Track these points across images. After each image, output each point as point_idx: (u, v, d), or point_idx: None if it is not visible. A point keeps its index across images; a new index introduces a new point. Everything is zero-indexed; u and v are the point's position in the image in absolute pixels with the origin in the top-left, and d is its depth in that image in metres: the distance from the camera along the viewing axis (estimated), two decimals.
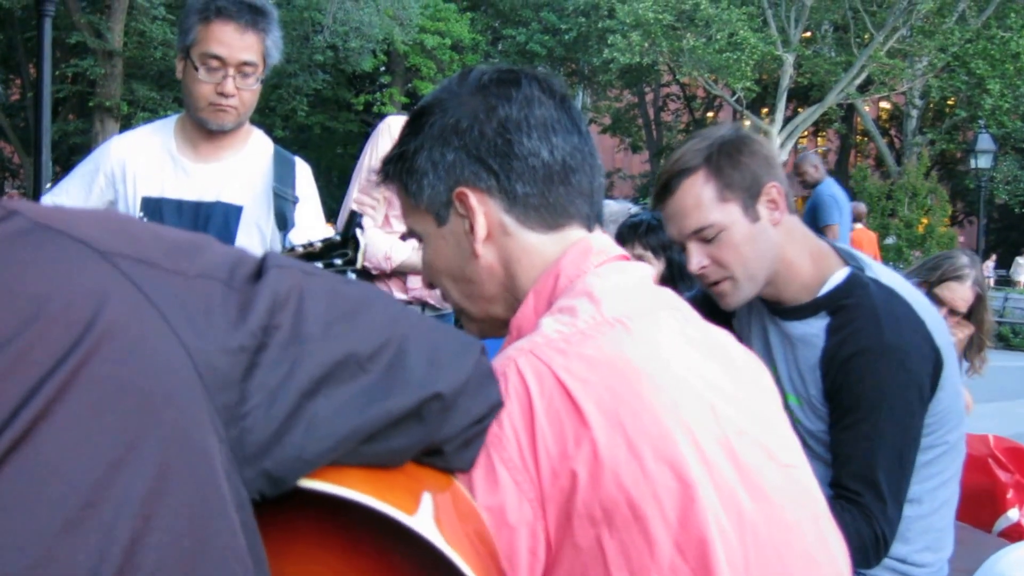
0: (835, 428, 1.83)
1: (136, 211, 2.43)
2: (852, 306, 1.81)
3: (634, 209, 3.55)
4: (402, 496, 0.81)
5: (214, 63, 2.32)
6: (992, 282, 24.98)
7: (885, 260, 16.65)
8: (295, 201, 2.49)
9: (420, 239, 1.18)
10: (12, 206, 0.67)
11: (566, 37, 26.43)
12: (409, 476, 0.86)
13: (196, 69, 2.33)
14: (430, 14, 23.08)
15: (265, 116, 20.85)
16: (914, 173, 22.06)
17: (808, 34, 25.66)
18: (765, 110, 28.92)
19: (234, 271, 0.74)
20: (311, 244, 2.13)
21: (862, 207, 11.72)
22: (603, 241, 1.15)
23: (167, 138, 2.49)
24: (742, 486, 0.99)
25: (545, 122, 1.11)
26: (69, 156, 21.25)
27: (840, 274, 1.85)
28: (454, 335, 0.90)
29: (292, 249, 2.16)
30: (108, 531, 0.59)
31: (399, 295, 3.18)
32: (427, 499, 0.84)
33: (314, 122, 24.45)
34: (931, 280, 3.18)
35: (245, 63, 2.34)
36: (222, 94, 2.34)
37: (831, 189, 7.55)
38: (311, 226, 2.49)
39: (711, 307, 1.84)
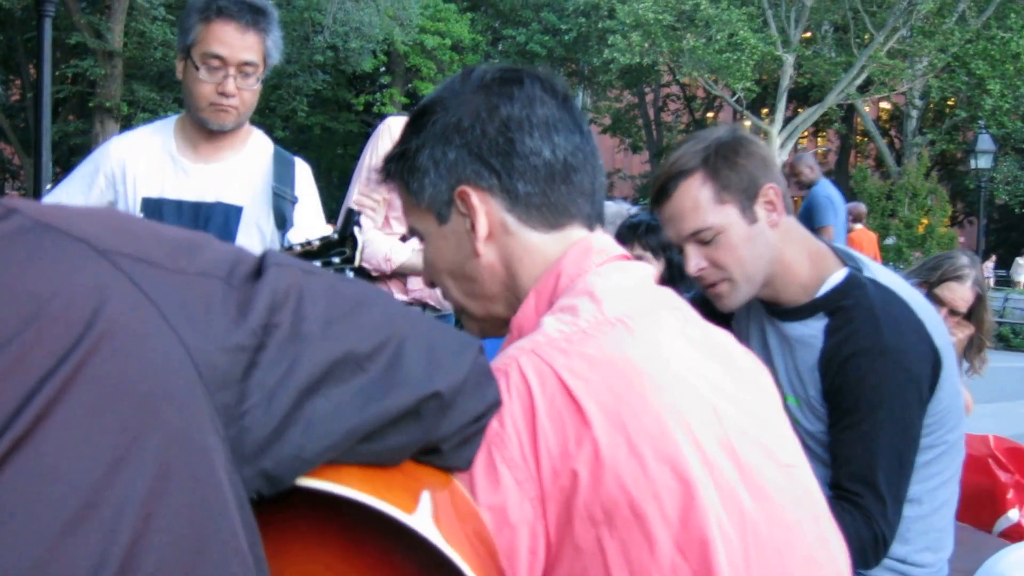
0: (834, 429, 1.83)
1: (136, 212, 2.42)
2: (850, 307, 1.81)
3: (633, 210, 3.55)
4: (401, 495, 0.81)
5: (215, 63, 2.32)
6: (992, 282, 24.99)
7: (885, 260, 16.67)
8: (294, 201, 2.49)
9: (421, 238, 1.18)
10: (12, 204, 0.67)
11: (566, 37, 26.46)
12: (407, 475, 0.86)
13: (197, 69, 2.33)
14: (430, 14, 23.11)
15: (265, 116, 20.87)
16: (914, 173, 22.07)
17: (808, 34, 25.67)
18: (765, 110, 28.94)
19: (234, 269, 0.74)
20: (309, 243, 2.13)
21: (862, 207, 11.71)
22: (604, 240, 1.15)
23: (167, 138, 2.49)
24: (743, 486, 0.99)
25: (547, 121, 1.11)
26: (69, 157, 21.27)
27: (838, 275, 1.85)
28: (452, 334, 0.90)
29: (290, 248, 2.16)
30: (109, 531, 0.59)
31: (399, 296, 3.18)
32: (426, 498, 0.84)
33: (314, 122, 24.48)
34: (931, 280, 3.18)
35: (246, 63, 2.34)
36: (223, 94, 2.34)
37: (826, 190, 7.55)
38: (310, 226, 2.49)
39: (711, 308, 1.84)
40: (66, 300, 0.63)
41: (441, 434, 0.87)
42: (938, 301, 3.13)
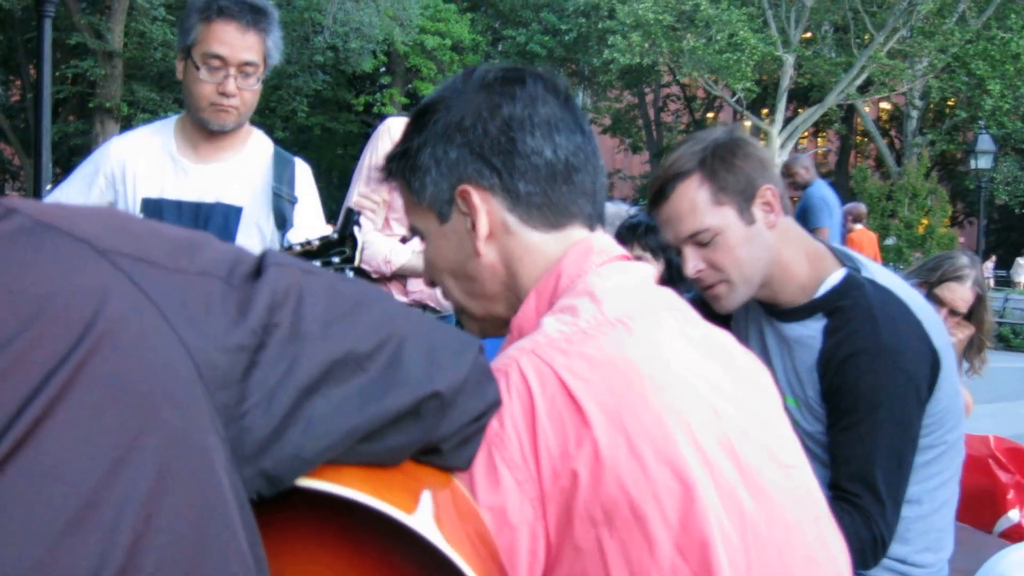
0: (833, 430, 1.83)
1: (136, 212, 2.42)
2: (849, 307, 1.81)
3: (632, 211, 3.55)
4: (401, 495, 0.81)
5: (215, 63, 2.32)
6: (992, 283, 24.99)
7: (885, 261, 16.66)
8: (294, 201, 2.49)
9: (422, 237, 1.18)
10: (12, 204, 0.67)
11: (566, 38, 26.46)
12: (408, 475, 0.86)
13: (197, 69, 2.33)
14: (430, 15, 23.10)
15: (265, 117, 20.87)
16: (914, 174, 22.06)
17: (808, 35, 25.67)
18: (765, 111, 28.93)
19: (233, 269, 0.74)
20: (309, 242, 2.13)
21: (862, 208, 11.71)
22: (605, 241, 1.15)
23: (167, 139, 2.49)
24: (743, 486, 0.99)
25: (549, 121, 1.11)
26: (69, 157, 21.28)
27: (836, 275, 1.85)
28: (452, 334, 0.90)
29: (290, 248, 2.16)
30: (109, 532, 0.59)
31: (400, 298, 3.18)
32: (427, 498, 0.84)
33: (314, 123, 24.48)
34: (931, 280, 3.18)
35: (246, 63, 2.34)
36: (223, 94, 2.34)
37: (821, 191, 7.56)
38: (310, 226, 2.49)
39: (710, 309, 1.84)
40: (66, 300, 0.63)
41: (441, 434, 0.87)
42: (938, 301, 3.13)
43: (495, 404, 0.94)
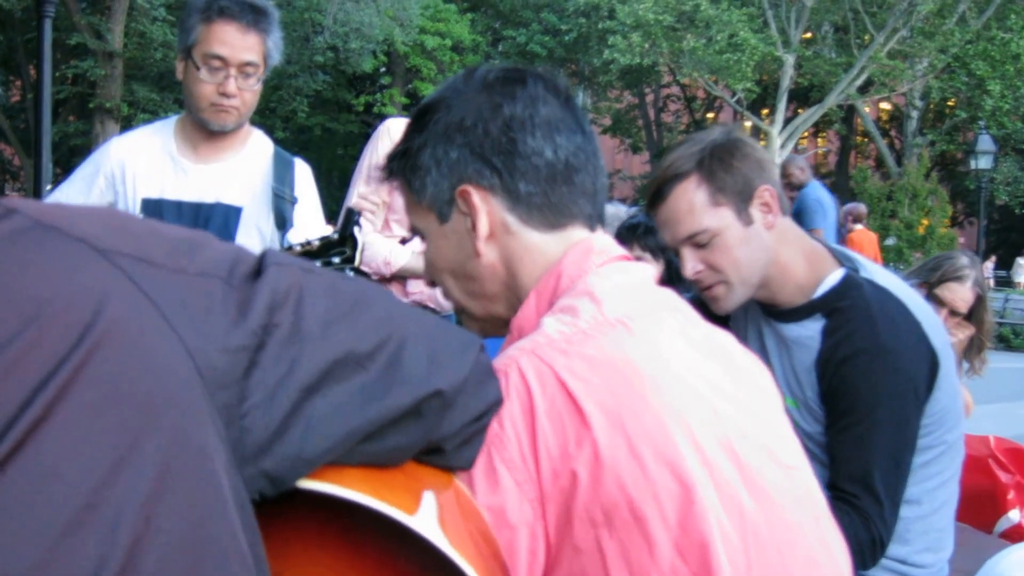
0: (831, 430, 1.83)
1: (136, 212, 2.42)
2: (847, 308, 1.81)
3: (631, 211, 3.55)
4: (402, 496, 0.81)
5: (216, 63, 2.32)
6: (992, 283, 24.98)
7: (885, 261, 16.66)
8: (294, 201, 2.49)
9: (423, 236, 1.18)
10: (12, 204, 0.67)
11: (566, 38, 26.45)
12: (409, 475, 0.85)
13: (198, 69, 2.33)
14: (430, 15, 23.10)
15: (266, 117, 20.87)
16: (914, 174, 22.07)
17: (808, 35, 25.66)
18: (765, 111, 28.93)
19: (234, 269, 0.73)
20: (309, 243, 2.13)
21: (862, 208, 11.71)
22: (605, 241, 1.15)
23: (167, 139, 2.49)
24: (743, 486, 0.98)
25: (549, 121, 1.11)
26: (69, 158, 21.29)
27: (835, 276, 1.85)
28: (453, 332, 0.90)
29: (290, 248, 2.16)
30: (109, 533, 0.59)
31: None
32: (429, 498, 0.84)
33: (314, 123, 24.48)
34: (931, 281, 3.18)
35: (247, 63, 2.34)
36: (224, 94, 2.34)
37: (816, 192, 7.57)
38: (310, 226, 2.49)
39: (709, 309, 1.84)
40: (66, 301, 0.63)
41: (443, 433, 0.87)
42: (938, 302, 3.13)
43: (497, 403, 0.94)
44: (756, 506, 0.99)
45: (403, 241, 3.00)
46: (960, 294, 3.18)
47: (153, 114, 17.58)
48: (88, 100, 19.11)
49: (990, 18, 23.19)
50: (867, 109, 28.30)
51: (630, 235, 2.92)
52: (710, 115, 34.26)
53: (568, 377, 0.96)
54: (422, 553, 0.78)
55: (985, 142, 21.20)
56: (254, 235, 2.46)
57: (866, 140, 34.50)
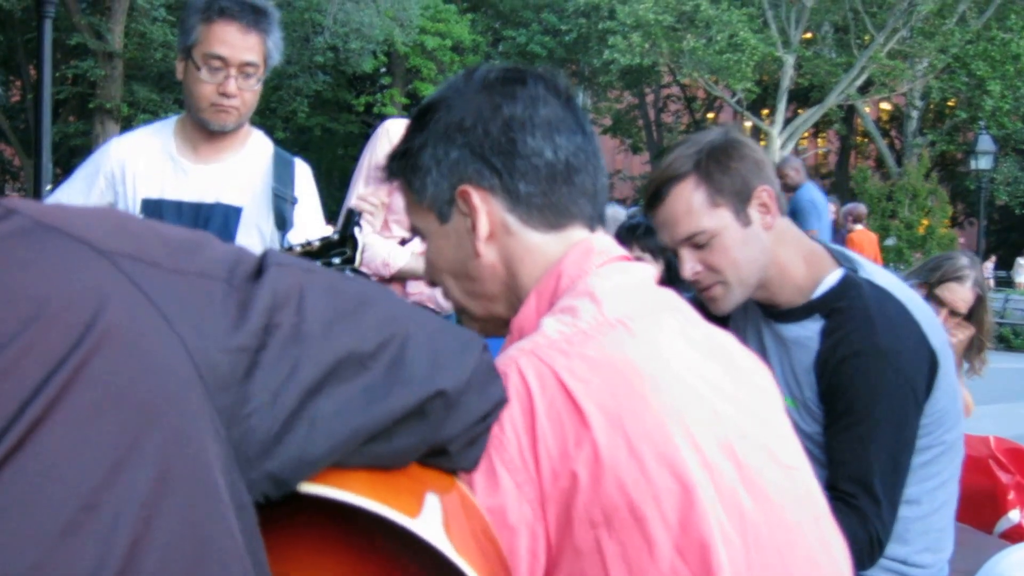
0: (830, 431, 1.83)
1: (136, 212, 2.42)
2: (846, 308, 1.81)
3: (629, 212, 3.55)
4: (405, 498, 0.81)
5: (216, 63, 2.32)
6: (992, 283, 24.97)
7: (886, 261, 16.65)
8: (294, 202, 2.49)
9: (423, 237, 1.18)
10: (12, 205, 0.67)
11: (566, 38, 26.44)
12: (412, 478, 0.85)
13: (198, 69, 2.33)
14: (430, 15, 23.09)
15: (266, 118, 20.87)
16: (914, 174, 22.04)
17: (808, 35, 25.65)
18: (766, 111, 28.91)
19: (234, 270, 0.73)
20: (309, 243, 2.13)
21: (862, 208, 11.72)
22: (605, 242, 1.15)
23: (167, 139, 2.49)
24: (743, 487, 0.98)
25: (549, 121, 1.11)
26: (69, 158, 21.28)
27: (834, 276, 1.85)
28: (456, 332, 0.90)
29: (290, 248, 2.16)
30: (108, 534, 0.59)
31: None
32: (432, 501, 0.83)
33: (314, 123, 24.47)
34: (931, 281, 3.18)
35: (247, 63, 2.34)
36: (224, 94, 2.34)
37: (810, 194, 7.59)
38: (310, 226, 2.49)
39: (709, 309, 1.84)
40: (66, 301, 0.63)
41: (447, 435, 0.86)
42: (938, 302, 3.13)
43: (501, 403, 0.93)
44: (756, 506, 0.99)
45: (402, 242, 3.00)
46: (960, 294, 3.18)
47: (153, 114, 17.57)
48: (88, 100, 19.12)
49: (990, 18, 23.18)
50: (867, 109, 28.28)
51: (630, 236, 2.93)
52: (710, 115, 34.24)
53: (568, 377, 0.96)
54: (426, 555, 0.77)
55: (985, 142, 21.19)
56: (254, 235, 2.46)
57: (866, 140, 34.47)
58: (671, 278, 2.80)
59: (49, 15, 8.04)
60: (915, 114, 27.96)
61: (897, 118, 31.95)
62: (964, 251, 3.47)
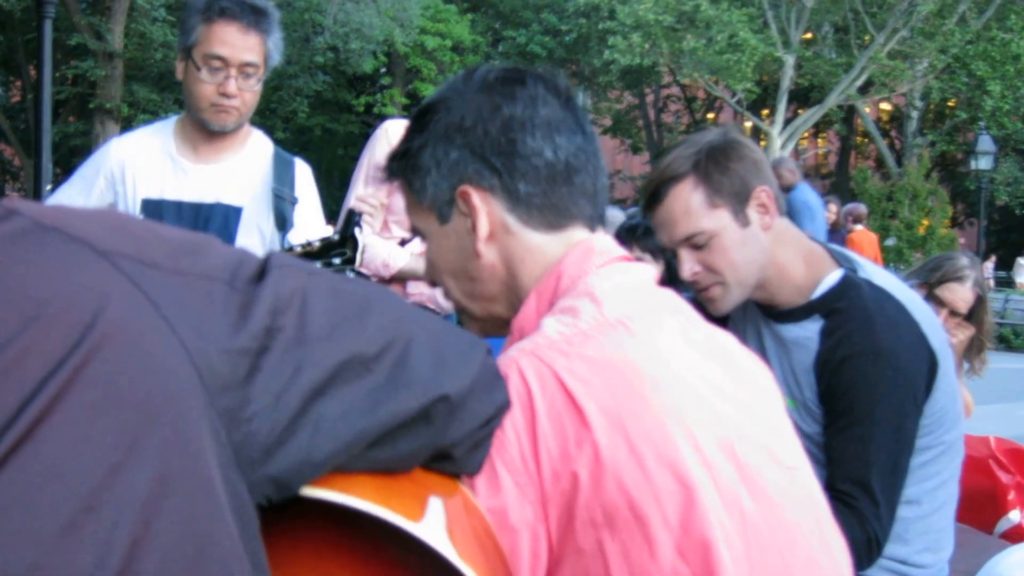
0: (829, 431, 1.83)
1: (136, 213, 2.42)
2: (845, 308, 1.81)
3: (629, 213, 3.55)
4: (408, 502, 0.80)
5: (216, 63, 2.32)
6: (992, 284, 24.95)
7: (886, 262, 16.65)
8: (294, 202, 2.49)
9: (423, 237, 1.18)
10: (12, 206, 0.67)
11: (566, 38, 26.43)
12: (415, 481, 0.85)
13: (198, 69, 2.33)
14: (430, 15, 23.09)
15: (266, 118, 20.87)
16: (915, 174, 22.02)
17: (809, 35, 25.63)
18: (766, 111, 28.89)
19: (236, 272, 0.73)
20: (309, 244, 2.13)
21: (862, 209, 11.72)
22: (605, 242, 1.15)
23: (167, 139, 2.49)
24: (744, 487, 0.98)
25: (549, 122, 1.11)
26: (70, 158, 21.30)
27: (833, 276, 1.85)
28: (460, 335, 0.89)
29: (291, 249, 2.16)
30: (108, 535, 0.59)
31: None
32: (435, 504, 0.83)
33: (315, 124, 24.48)
34: (931, 281, 3.18)
35: (247, 64, 2.34)
36: (224, 95, 2.34)
37: (804, 195, 7.61)
38: (311, 226, 2.49)
39: (708, 310, 1.84)
40: (66, 302, 0.62)
41: (451, 439, 0.86)
42: (938, 302, 3.13)
43: (505, 406, 0.93)
44: (757, 507, 0.99)
45: (402, 243, 3.00)
46: (960, 295, 3.18)
47: (153, 114, 17.56)
48: (88, 100, 19.12)
49: (990, 18, 23.17)
50: (867, 109, 28.27)
51: (629, 236, 2.92)
52: (710, 115, 34.23)
53: (568, 378, 0.96)
54: (429, 559, 0.77)
55: (985, 142, 21.19)
56: (254, 236, 2.46)
57: (866, 140, 34.45)
58: (671, 278, 2.80)
59: (49, 15, 8.05)
60: (915, 114, 27.96)
61: (897, 118, 31.95)
62: (964, 251, 3.47)
